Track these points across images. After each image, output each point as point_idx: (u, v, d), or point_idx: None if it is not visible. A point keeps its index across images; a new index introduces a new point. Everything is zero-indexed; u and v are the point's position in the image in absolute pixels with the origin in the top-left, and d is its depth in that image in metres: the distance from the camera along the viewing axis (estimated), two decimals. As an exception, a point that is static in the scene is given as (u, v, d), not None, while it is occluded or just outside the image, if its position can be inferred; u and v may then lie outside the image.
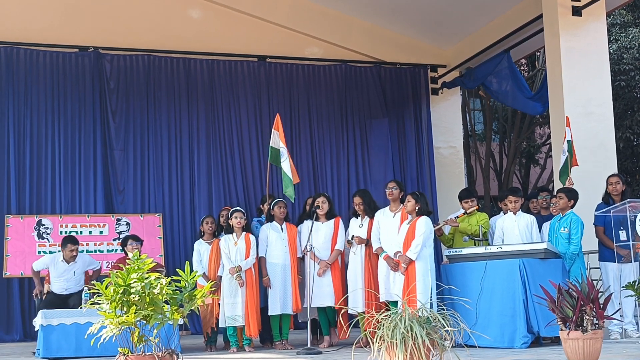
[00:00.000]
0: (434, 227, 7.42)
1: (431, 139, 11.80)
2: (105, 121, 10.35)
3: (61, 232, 9.60)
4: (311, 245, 7.32)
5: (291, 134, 10.34)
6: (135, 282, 3.83)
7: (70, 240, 8.08)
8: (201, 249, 8.01)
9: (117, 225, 9.90)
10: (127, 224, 9.91)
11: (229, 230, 7.71)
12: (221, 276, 7.71)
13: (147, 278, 3.87)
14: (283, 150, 7.64)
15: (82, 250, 9.02)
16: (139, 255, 3.99)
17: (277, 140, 7.69)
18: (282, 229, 7.82)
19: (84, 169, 10.20)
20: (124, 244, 8.20)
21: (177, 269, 4.08)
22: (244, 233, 7.69)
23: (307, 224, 7.78)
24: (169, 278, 3.99)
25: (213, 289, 7.57)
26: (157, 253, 9.70)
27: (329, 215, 7.77)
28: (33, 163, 10.10)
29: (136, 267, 3.90)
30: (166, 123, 10.63)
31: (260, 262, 7.75)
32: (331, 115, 11.25)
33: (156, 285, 3.84)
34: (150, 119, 10.53)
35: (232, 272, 7.55)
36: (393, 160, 11.38)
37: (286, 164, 7.61)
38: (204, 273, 7.86)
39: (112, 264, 8.72)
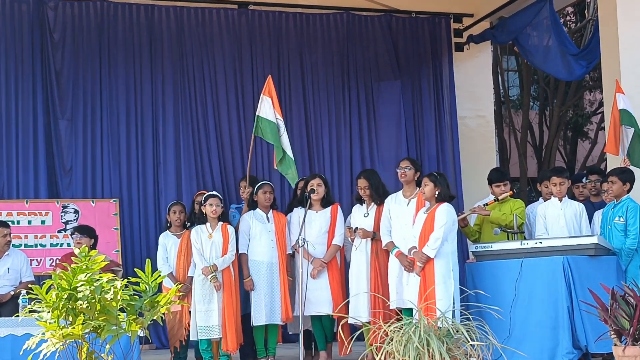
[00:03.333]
0: (458, 216, 7.46)
1: (454, 107, 11.79)
2: (47, 83, 10.32)
3: None
4: (303, 239, 7.38)
5: (280, 101, 9.97)
6: (82, 285, 3.87)
7: (2, 224, 8.24)
8: (167, 243, 8.11)
9: (62, 214, 9.92)
10: (76, 211, 9.94)
11: (202, 220, 7.80)
12: (192, 277, 7.81)
13: (97, 280, 3.92)
14: (280, 123, 7.78)
15: (19, 245, 9.16)
16: (88, 252, 4.04)
17: (269, 108, 7.79)
18: (267, 218, 7.94)
19: (22, 143, 10.16)
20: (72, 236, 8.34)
21: (135, 269, 4.16)
22: (221, 223, 7.77)
23: (298, 212, 7.90)
24: (126, 280, 4.05)
25: (182, 293, 7.68)
26: (113, 248, 9.75)
27: (325, 202, 7.91)
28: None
29: (84, 267, 3.96)
30: (124, 86, 10.60)
31: (241, 259, 7.86)
32: (330, 77, 11.24)
33: (109, 289, 3.90)
34: (104, 81, 10.50)
35: (205, 272, 7.64)
36: (407, 133, 11.35)
37: (286, 139, 7.75)
38: (170, 273, 7.94)
39: (57, 261, 8.80)
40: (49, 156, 10.17)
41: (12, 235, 8.58)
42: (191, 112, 10.67)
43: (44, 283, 4.04)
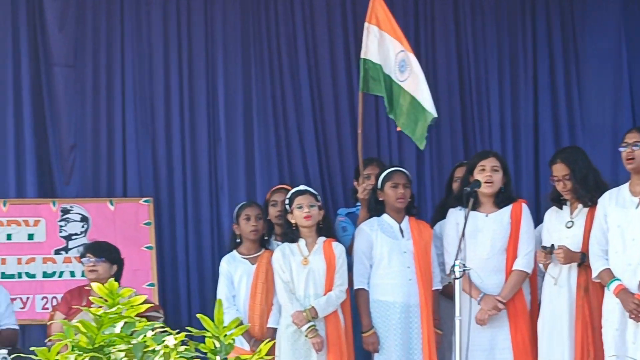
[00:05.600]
0: None
1: None
2: (36, 10, 9.50)
3: None
4: (463, 263, 6.94)
5: (418, 37, 9.40)
6: (113, 342, 3.70)
7: None
8: (235, 272, 7.82)
9: (62, 223, 8.88)
10: (84, 218, 8.91)
11: (291, 234, 7.57)
12: (276, 329, 7.54)
13: (136, 334, 3.71)
14: (403, 57, 7.54)
15: None
16: (119, 285, 3.85)
17: (377, 43, 7.70)
18: (401, 231, 7.61)
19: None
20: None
21: (199, 315, 3.74)
22: (322, 240, 7.51)
23: (454, 216, 7.61)
24: (182, 334, 3.73)
25: (259, 356, 7.02)
26: (144, 280, 8.73)
27: (502, 199, 7.56)
28: None
29: (115, 313, 3.75)
30: (160, 16, 9.65)
31: (358, 300, 7.60)
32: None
33: (156, 350, 3.69)
34: (127, 9, 9.61)
35: (298, 320, 7.30)
36: (631, 85, 10.28)
37: (413, 82, 7.50)
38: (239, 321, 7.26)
39: (56, 302, 8.37)
40: (38, 126, 9.23)
41: None
42: (270, 63, 9.67)
43: (50, 340, 3.97)
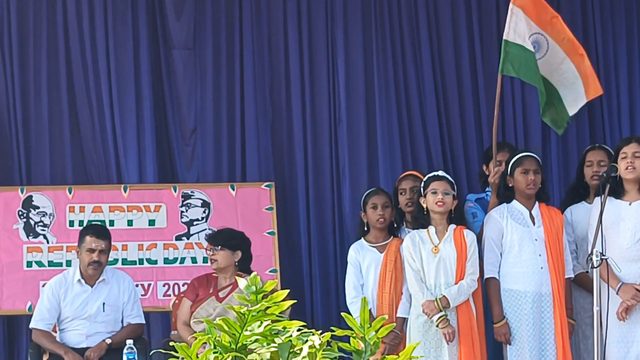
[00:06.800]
0: None
1: None
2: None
3: (71, 222, 8.84)
4: (601, 252, 6.82)
5: None
6: (257, 341, 3.64)
7: (94, 231, 7.91)
8: (363, 261, 7.79)
9: (183, 208, 9.04)
10: (205, 204, 9.06)
11: (422, 220, 7.53)
12: (405, 319, 7.55)
13: (281, 333, 3.69)
14: (541, 38, 7.63)
15: (114, 262, 8.41)
16: (257, 279, 3.82)
17: (524, 26, 7.58)
18: (532, 217, 7.51)
19: (116, 90, 9.23)
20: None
21: (344, 314, 3.77)
22: (453, 227, 7.48)
23: (598, 205, 7.31)
24: (328, 334, 3.69)
25: (388, 344, 7.54)
26: (267, 266, 8.78)
27: None
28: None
29: (258, 310, 3.69)
30: None
31: (488, 288, 7.52)
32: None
33: (301, 350, 3.62)
34: None
35: (429, 309, 7.31)
36: None
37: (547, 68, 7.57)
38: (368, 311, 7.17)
39: (179, 287, 8.57)
40: (157, 110, 9.26)
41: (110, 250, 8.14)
42: (392, 45, 9.54)
43: (195, 338, 3.79)
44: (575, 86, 7.61)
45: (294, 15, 9.61)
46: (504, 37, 7.59)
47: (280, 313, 3.87)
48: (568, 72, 7.63)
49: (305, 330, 3.82)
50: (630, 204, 7.26)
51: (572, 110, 7.70)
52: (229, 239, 7.87)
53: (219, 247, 7.78)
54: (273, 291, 3.82)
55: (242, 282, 3.89)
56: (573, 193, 7.88)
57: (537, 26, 7.59)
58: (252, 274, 3.88)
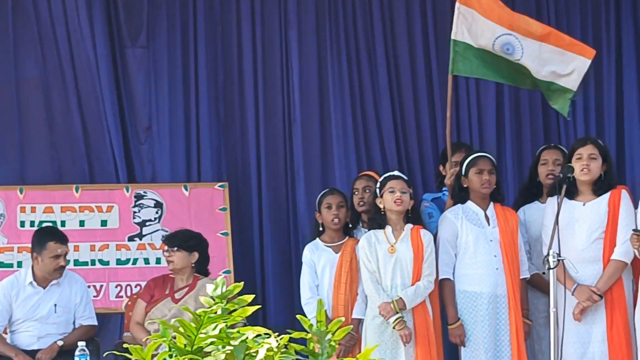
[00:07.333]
0: None
1: None
2: None
3: (22, 223, 8.88)
4: (557, 253, 6.89)
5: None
6: (212, 343, 3.61)
7: (57, 238, 7.85)
8: (318, 261, 7.80)
9: (136, 209, 9.08)
10: (157, 204, 9.11)
11: (378, 220, 7.50)
12: (361, 320, 7.54)
13: (237, 336, 3.65)
14: (510, 38, 7.62)
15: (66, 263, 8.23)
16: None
17: (470, 24, 7.66)
18: (487, 218, 7.56)
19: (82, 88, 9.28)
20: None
21: (299, 316, 3.90)
22: (409, 227, 7.46)
23: (551, 205, 7.42)
24: (287, 336, 3.69)
25: (343, 345, 7.48)
26: (220, 267, 8.82)
27: (599, 187, 7.44)
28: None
29: (214, 312, 3.68)
30: None
31: (443, 290, 7.56)
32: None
33: (257, 352, 3.65)
34: None
35: (385, 311, 7.29)
36: None
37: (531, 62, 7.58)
38: (323, 312, 7.06)
39: (137, 291, 8.51)
40: (113, 108, 9.39)
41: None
42: (347, 44, 9.57)
43: (149, 340, 3.74)
44: (566, 58, 7.56)
45: (247, 14, 9.57)
46: (452, 37, 7.63)
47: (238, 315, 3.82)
48: (552, 53, 7.58)
49: (265, 332, 3.79)
50: (584, 205, 7.31)
51: (574, 85, 7.64)
52: (186, 240, 7.86)
53: (176, 248, 7.78)
54: (239, 294, 3.78)
55: (209, 287, 3.84)
56: (526, 193, 7.89)
57: (503, 27, 7.56)
58: (219, 278, 3.85)
